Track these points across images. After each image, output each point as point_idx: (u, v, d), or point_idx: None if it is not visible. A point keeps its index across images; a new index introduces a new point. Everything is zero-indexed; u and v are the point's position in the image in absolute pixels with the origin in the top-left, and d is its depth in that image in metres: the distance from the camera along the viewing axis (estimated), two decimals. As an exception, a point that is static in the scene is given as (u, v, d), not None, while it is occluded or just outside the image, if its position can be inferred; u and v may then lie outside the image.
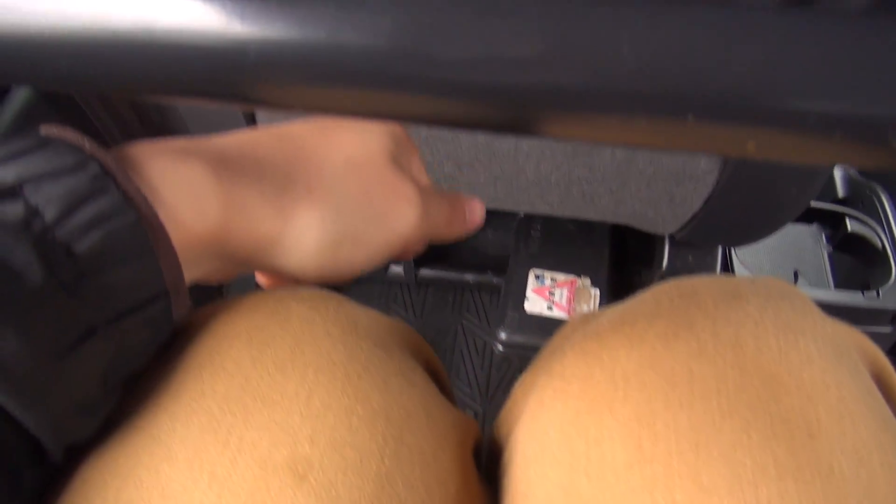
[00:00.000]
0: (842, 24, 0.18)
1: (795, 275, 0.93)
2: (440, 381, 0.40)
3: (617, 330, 0.31)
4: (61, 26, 0.18)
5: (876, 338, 0.92)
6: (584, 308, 0.92)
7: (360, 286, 1.13)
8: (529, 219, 1.02)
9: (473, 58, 0.18)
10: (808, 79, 0.17)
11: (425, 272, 1.08)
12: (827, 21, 0.18)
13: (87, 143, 0.24)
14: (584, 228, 1.00)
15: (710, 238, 0.77)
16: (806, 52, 0.17)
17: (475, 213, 0.38)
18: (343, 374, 0.28)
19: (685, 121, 0.18)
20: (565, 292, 0.94)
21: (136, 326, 0.25)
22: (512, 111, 0.19)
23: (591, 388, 0.30)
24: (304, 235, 0.30)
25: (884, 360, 0.32)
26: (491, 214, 1.06)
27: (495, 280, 1.06)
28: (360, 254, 0.32)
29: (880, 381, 0.31)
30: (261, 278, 0.37)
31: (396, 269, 1.08)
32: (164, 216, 0.25)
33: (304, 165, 0.31)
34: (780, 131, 0.18)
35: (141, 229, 0.24)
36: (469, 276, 1.07)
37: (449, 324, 1.09)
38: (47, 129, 0.25)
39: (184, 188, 0.26)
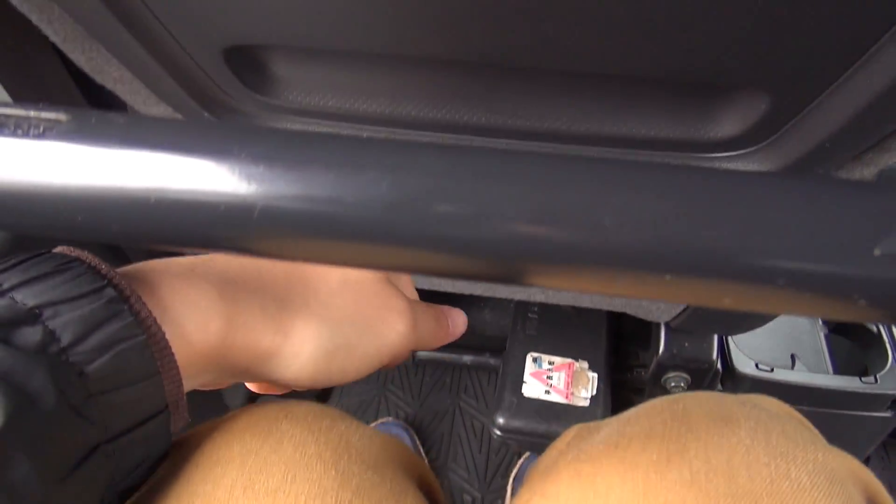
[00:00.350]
0: (807, 190, 0.19)
1: (793, 358, 0.93)
2: (434, 496, 0.40)
3: (611, 454, 0.32)
4: (86, 188, 0.20)
5: (875, 422, 0.91)
6: (583, 392, 0.92)
7: (357, 366, 1.12)
8: (527, 301, 1.03)
9: (464, 218, 0.19)
10: (779, 241, 0.18)
11: (422, 353, 1.08)
12: (793, 186, 0.19)
13: (103, 267, 0.26)
14: (582, 311, 1.01)
15: (704, 327, 0.78)
16: (776, 216, 0.19)
17: (458, 324, 0.40)
18: (334, 503, 0.28)
19: (664, 278, 0.19)
20: (563, 376, 0.94)
21: (136, 442, 0.25)
22: (503, 266, 0.20)
23: None
24: (302, 349, 0.31)
25: (876, 485, 0.32)
26: (489, 297, 1.07)
27: (493, 361, 1.06)
28: (353, 364, 0.33)
29: None
30: (252, 386, 0.38)
31: (394, 350, 1.08)
32: (170, 334, 0.26)
33: (302, 283, 0.32)
34: (753, 289, 0.19)
35: (149, 351, 0.25)
36: (467, 358, 1.07)
37: (446, 406, 1.08)
38: (64, 250, 0.26)
39: (191, 308, 0.28)
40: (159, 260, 0.29)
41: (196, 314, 0.28)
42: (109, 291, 0.24)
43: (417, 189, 0.19)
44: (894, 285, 0.18)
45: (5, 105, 0.21)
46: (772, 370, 0.87)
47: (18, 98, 0.54)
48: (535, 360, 0.95)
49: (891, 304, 0.18)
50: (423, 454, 0.99)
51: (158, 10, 0.40)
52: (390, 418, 1.03)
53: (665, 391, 0.88)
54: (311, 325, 0.31)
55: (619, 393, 1.04)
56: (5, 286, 0.23)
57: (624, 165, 0.20)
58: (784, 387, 0.87)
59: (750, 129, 0.44)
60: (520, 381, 0.93)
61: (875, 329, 0.92)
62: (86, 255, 0.26)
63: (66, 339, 0.23)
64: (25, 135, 0.20)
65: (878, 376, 0.86)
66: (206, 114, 0.49)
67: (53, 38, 0.45)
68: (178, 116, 0.53)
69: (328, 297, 0.32)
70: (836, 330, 0.97)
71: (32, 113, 0.21)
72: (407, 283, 0.39)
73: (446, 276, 0.20)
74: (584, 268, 0.19)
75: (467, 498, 0.99)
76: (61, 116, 0.21)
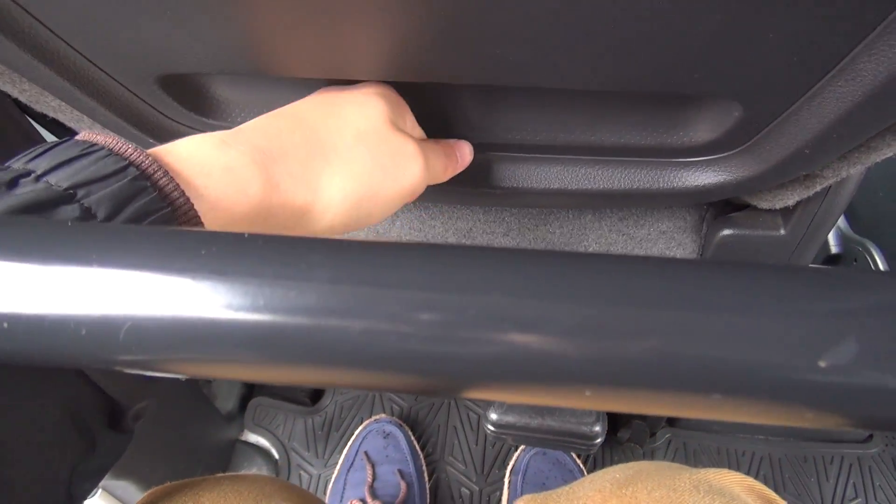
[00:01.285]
0: (747, 288, 0.17)
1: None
2: None
3: None
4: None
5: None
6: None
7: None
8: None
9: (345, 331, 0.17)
10: (714, 351, 0.16)
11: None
12: (730, 285, 0.17)
13: (128, 148, 0.27)
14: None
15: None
16: (712, 323, 0.16)
17: (465, 154, 0.44)
18: None
19: (583, 393, 0.17)
20: (556, 367, 0.92)
21: None
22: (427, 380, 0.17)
23: None
24: (332, 202, 0.34)
25: None
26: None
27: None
28: (377, 208, 0.37)
29: None
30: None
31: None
32: (208, 202, 0.29)
33: (321, 143, 0.35)
34: (687, 400, 0.17)
35: (175, 222, 0.27)
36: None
37: (441, 399, 1.07)
38: (88, 136, 0.28)
39: (228, 175, 0.30)
40: (192, 137, 0.31)
41: (234, 181, 0.30)
42: (132, 170, 0.26)
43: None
44: (842, 396, 0.16)
45: None
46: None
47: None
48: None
49: (841, 414, 0.16)
50: (419, 451, 0.99)
51: (80, 46, 0.37)
52: (384, 415, 1.02)
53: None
54: (335, 180, 0.34)
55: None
56: (39, 171, 0.24)
57: (534, 257, 0.17)
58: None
59: (723, 135, 0.41)
60: (512, 375, 0.91)
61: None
62: (107, 139, 0.27)
63: (101, 214, 0.25)
64: None
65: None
66: (150, 140, 0.46)
67: (16, 95, 0.42)
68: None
69: (346, 152, 0.35)
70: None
71: None
72: (412, 123, 0.42)
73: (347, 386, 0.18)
74: (498, 383, 0.17)
75: (465, 491, 0.98)
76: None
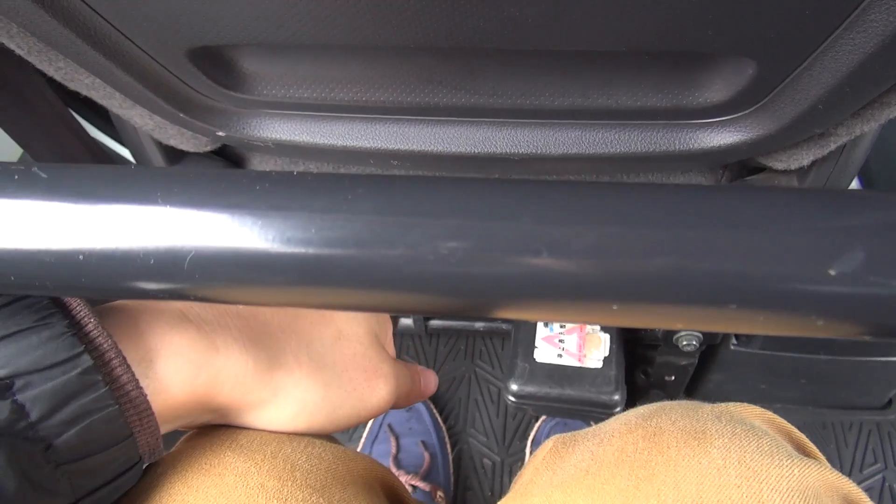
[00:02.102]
0: (759, 206, 0.18)
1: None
2: (397, 496, 0.41)
3: (581, 481, 0.31)
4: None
5: (891, 367, 0.90)
6: (595, 354, 0.92)
7: (372, 339, 1.13)
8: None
9: (393, 258, 0.18)
10: (730, 264, 0.17)
11: (435, 322, 1.08)
12: (743, 204, 0.18)
13: (85, 320, 0.25)
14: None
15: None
16: (726, 237, 0.17)
17: (429, 383, 0.43)
18: None
19: (611, 307, 0.18)
20: (575, 339, 0.93)
21: (111, 492, 0.26)
22: (427, 300, 0.19)
23: None
24: (286, 408, 0.32)
25: (857, 496, 0.31)
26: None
27: (505, 326, 1.06)
28: (331, 424, 0.34)
29: None
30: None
31: (406, 322, 1.08)
32: (153, 388, 0.26)
33: (297, 335, 0.33)
34: (705, 312, 0.18)
35: (122, 419, 0.25)
36: (479, 325, 1.07)
37: (462, 372, 1.09)
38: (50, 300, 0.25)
39: (179, 358, 0.28)
40: (154, 302, 0.29)
41: (184, 366, 0.28)
42: (86, 359, 0.24)
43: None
44: (851, 305, 0.17)
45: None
46: (785, 322, 0.86)
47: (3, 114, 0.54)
48: (546, 324, 0.95)
49: (850, 322, 0.17)
50: (441, 423, 1.01)
51: (114, 19, 0.38)
52: (406, 389, 1.04)
53: (678, 349, 0.88)
54: (300, 387, 0.32)
55: (634, 350, 1.03)
56: None
57: (562, 187, 0.19)
58: (798, 337, 0.86)
59: (738, 94, 0.42)
60: (531, 347, 0.93)
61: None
62: (70, 304, 0.25)
63: (35, 414, 0.23)
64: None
65: (895, 322, 0.84)
66: (181, 114, 0.48)
67: (18, 51, 0.44)
68: (155, 118, 0.52)
69: (321, 354, 0.33)
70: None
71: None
72: (390, 340, 0.41)
73: (393, 311, 0.20)
74: (526, 301, 0.18)
75: (487, 462, 1.00)
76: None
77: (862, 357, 0.89)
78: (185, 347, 0.28)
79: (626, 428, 0.33)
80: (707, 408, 0.35)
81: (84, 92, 0.49)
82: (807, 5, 0.32)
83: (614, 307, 0.18)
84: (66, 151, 0.62)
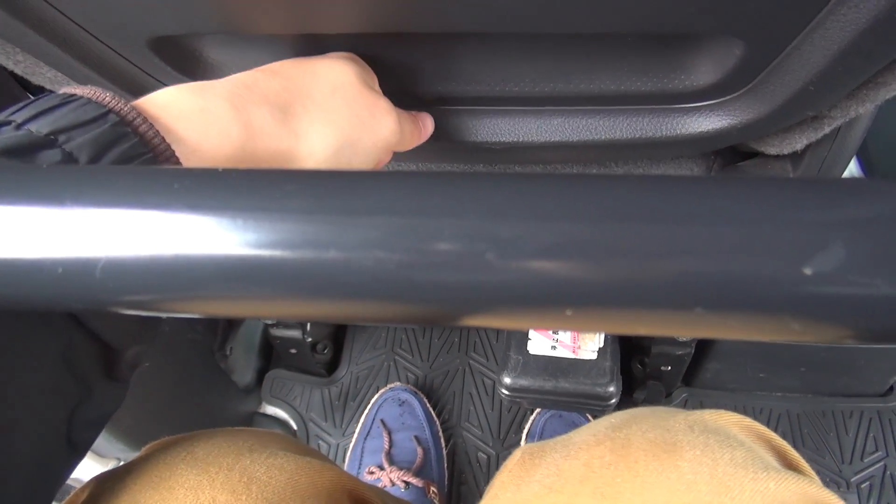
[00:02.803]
0: (728, 199, 0.16)
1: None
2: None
3: (543, 499, 0.30)
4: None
5: (890, 354, 0.88)
6: (590, 345, 0.90)
7: (365, 332, 1.12)
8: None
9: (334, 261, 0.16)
10: (694, 263, 0.16)
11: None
12: (710, 197, 0.16)
13: (107, 97, 0.27)
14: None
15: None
16: (690, 233, 0.16)
17: (427, 125, 0.45)
18: None
19: (564, 313, 0.16)
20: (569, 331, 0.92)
21: None
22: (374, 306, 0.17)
23: None
24: (314, 148, 0.35)
25: None
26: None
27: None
28: (357, 157, 0.37)
29: None
30: None
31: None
32: (188, 146, 0.29)
33: (298, 93, 0.35)
34: (668, 317, 0.16)
35: (156, 162, 0.27)
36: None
37: (456, 365, 1.07)
38: (69, 89, 0.27)
39: (206, 117, 0.30)
40: (170, 87, 0.31)
41: (214, 124, 0.30)
42: (112, 117, 0.26)
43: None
44: (831, 307, 0.15)
45: None
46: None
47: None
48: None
49: (830, 326, 0.16)
50: (435, 417, 0.99)
51: (72, 13, 0.37)
52: (398, 383, 1.02)
53: (673, 339, 0.86)
54: (316, 127, 0.35)
55: (630, 340, 1.02)
56: (20, 120, 0.24)
57: (510, 180, 0.17)
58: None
59: (726, 76, 0.40)
60: (525, 339, 0.91)
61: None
62: (87, 90, 0.27)
63: (83, 158, 0.25)
64: None
65: None
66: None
67: (10, 67, 0.42)
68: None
69: (323, 101, 0.36)
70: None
71: None
72: (379, 90, 0.42)
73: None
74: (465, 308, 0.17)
75: (482, 456, 0.99)
76: None
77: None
78: (213, 110, 0.30)
79: (595, 439, 0.32)
80: (681, 416, 0.33)
81: (47, 86, 0.47)
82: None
83: (568, 313, 0.16)
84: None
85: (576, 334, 0.91)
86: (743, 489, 0.27)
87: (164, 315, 0.19)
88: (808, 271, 0.15)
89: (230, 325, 0.96)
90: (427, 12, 0.35)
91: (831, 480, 0.92)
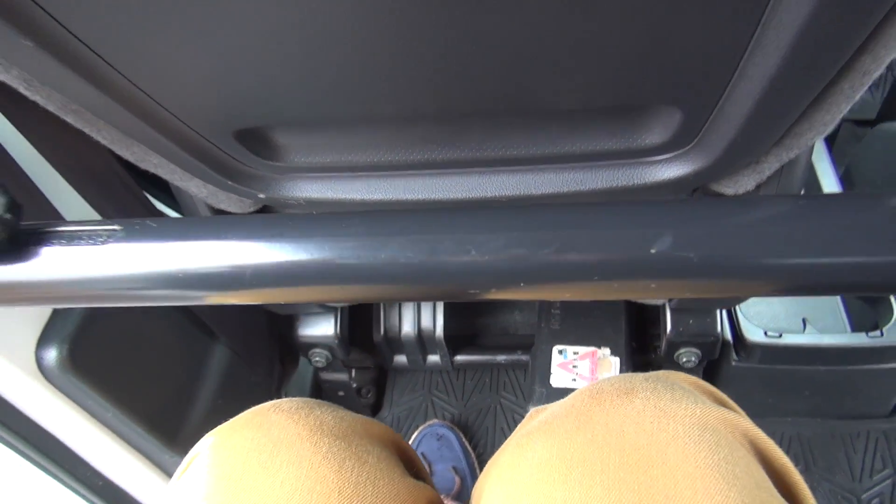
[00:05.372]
0: (605, 212, 0.27)
1: (804, 322, 0.99)
2: (408, 457, 0.50)
3: (541, 429, 0.40)
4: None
5: (890, 375, 0.95)
6: (607, 377, 0.99)
7: (404, 376, 1.22)
8: (549, 300, 1.11)
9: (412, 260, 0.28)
10: (592, 249, 0.27)
11: (460, 358, 1.17)
12: (594, 211, 0.27)
13: None
14: (600, 303, 1.08)
15: (699, 302, 0.85)
16: (590, 232, 0.27)
17: None
18: (308, 465, 0.39)
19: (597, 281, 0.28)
20: (588, 363, 1.01)
21: None
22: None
23: (516, 476, 0.39)
24: None
25: (764, 440, 0.40)
26: (516, 299, 1.15)
27: (525, 358, 1.14)
28: None
29: (762, 456, 0.39)
30: None
31: (434, 358, 1.17)
32: None
33: None
34: (578, 286, 0.28)
35: None
36: (501, 357, 1.16)
37: (488, 404, 1.17)
38: None
39: None
40: None
41: None
42: None
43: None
44: (668, 272, 0.26)
45: (77, 223, 0.31)
46: (780, 336, 0.93)
47: (82, 187, 0.67)
48: (560, 352, 1.03)
49: (671, 283, 0.27)
50: (470, 450, 1.08)
51: (179, 112, 0.50)
52: (436, 420, 1.12)
53: (679, 367, 0.95)
54: None
55: (643, 371, 1.10)
56: None
57: (484, 211, 0.28)
58: (794, 350, 0.92)
59: (674, 136, 0.52)
60: (548, 373, 1.01)
61: (878, 285, 0.96)
62: None
63: None
64: (95, 242, 0.30)
65: (884, 330, 0.90)
66: (228, 182, 0.60)
67: (104, 142, 0.56)
68: (209, 187, 0.64)
69: None
70: (844, 290, 1.01)
71: (98, 227, 0.31)
72: None
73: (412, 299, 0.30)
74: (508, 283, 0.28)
75: (516, 486, 1.07)
76: (116, 227, 0.31)
77: (859, 366, 0.94)
78: None
79: (579, 392, 0.42)
80: (641, 375, 0.44)
81: (151, 170, 0.61)
82: (704, 54, 0.42)
83: (521, 285, 0.28)
84: (128, 211, 0.74)
85: (594, 367, 1.01)
86: (677, 414, 0.37)
87: (284, 302, 0.30)
88: (653, 251, 0.26)
89: (285, 371, 1.07)
90: (449, 101, 0.48)
91: (843, 498, 0.98)
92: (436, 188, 0.61)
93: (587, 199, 0.61)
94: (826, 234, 0.26)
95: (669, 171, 0.56)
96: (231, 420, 0.45)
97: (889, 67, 1.66)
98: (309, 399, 0.47)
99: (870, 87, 1.73)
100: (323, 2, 0.35)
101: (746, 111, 0.47)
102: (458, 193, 0.60)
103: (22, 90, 0.48)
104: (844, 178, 1.20)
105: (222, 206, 0.67)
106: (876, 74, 0.43)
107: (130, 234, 0.30)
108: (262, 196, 0.62)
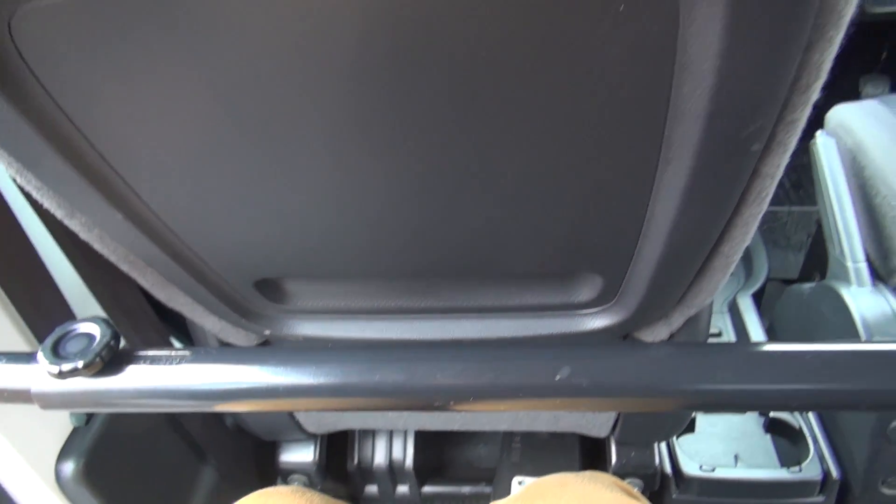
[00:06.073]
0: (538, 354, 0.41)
1: (735, 458, 1.10)
2: None
3: None
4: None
5: (813, 508, 1.06)
6: None
7: (373, 507, 1.29)
8: (511, 431, 1.22)
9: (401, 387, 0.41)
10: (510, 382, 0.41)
11: (428, 489, 1.25)
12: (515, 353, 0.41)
13: None
14: (557, 435, 1.19)
15: (640, 436, 0.97)
16: (503, 368, 0.41)
17: None
18: None
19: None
20: None
21: None
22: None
23: None
24: None
25: None
26: (481, 432, 1.26)
27: (487, 490, 1.22)
28: None
29: None
30: None
31: (403, 489, 1.25)
32: None
33: None
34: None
35: None
36: (466, 489, 1.24)
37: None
38: None
39: None
40: None
41: None
42: None
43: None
44: (568, 393, 0.40)
45: (162, 349, 0.44)
46: (713, 469, 1.04)
47: (119, 323, 0.79)
48: (520, 482, 1.12)
49: (570, 401, 0.40)
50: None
51: (215, 265, 0.65)
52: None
53: (625, 496, 1.05)
54: None
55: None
56: None
57: (453, 350, 0.42)
58: (726, 483, 1.03)
59: (599, 295, 0.67)
60: (508, 503, 1.09)
61: (797, 425, 1.09)
62: None
63: None
64: (173, 363, 0.43)
65: (802, 465, 1.03)
66: (242, 320, 0.73)
67: (144, 285, 0.70)
68: (222, 323, 0.77)
69: None
70: (770, 430, 1.14)
71: (174, 352, 0.44)
72: None
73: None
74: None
75: None
76: (186, 353, 0.44)
77: (783, 499, 1.05)
78: None
79: (526, 486, 0.54)
80: (575, 472, 0.56)
81: (177, 307, 0.74)
82: (607, 227, 0.58)
83: (471, 399, 0.41)
84: (146, 340, 0.86)
85: None
86: (594, 498, 0.49)
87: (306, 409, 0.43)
88: (557, 378, 0.40)
89: (262, 496, 1.14)
90: (425, 267, 0.63)
91: None
92: (413, 330, 0.74)
93: (535, 342, 0.75)
94: (670, 368, 0.40)
95: (598, 322, 0.71)
96: None
97: (808, 233, 1.89)
98: (297, 486, 0.58)
99: (793, 250, 1.95)
100: (340, 200, 0.50)
101: (649, 279, 0.62)
102: (432, 334, 0.74)
103: (82, 236, 0.62)
104: (769, 331, 1.37)
105: (230, 340, 0.80)
106: (736, 257, 0.59)
107: (198, 358, 0.43)
108: (267, 332, 0.75)
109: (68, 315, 0.76)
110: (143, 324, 0.84)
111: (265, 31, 0.34)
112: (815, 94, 0.41)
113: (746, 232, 0.55)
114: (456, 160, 0.43)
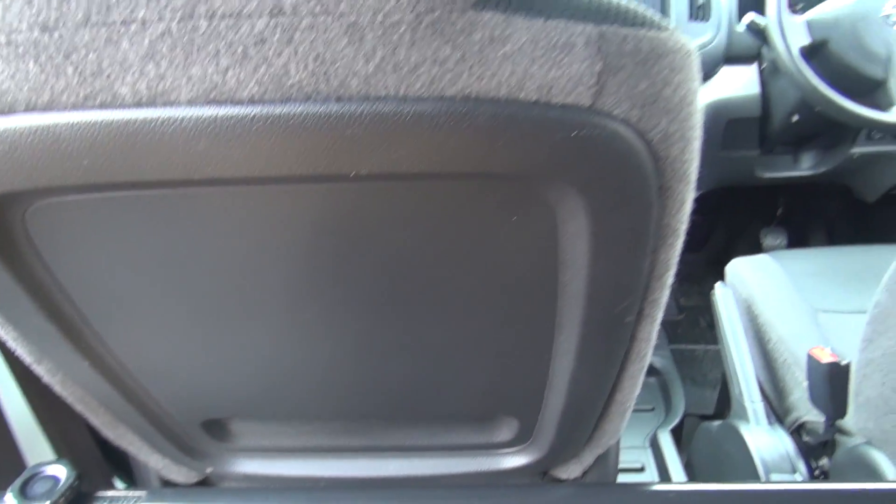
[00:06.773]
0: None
1: None
2: None
3: None
4: None
5: None
6: None
7: None
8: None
9: None
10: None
11: None
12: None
13: None
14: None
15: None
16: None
17: None
18: None
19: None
20: None
21: None
22: None
23: None
24: None
25: None
26: None
27: None
28: None
29: None
30: None
31: None
32: None
33: None
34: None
35: None
36: None
37: None
38: None
39: None
40: None
41: None
42: None
43: None
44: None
45: (119, 490, 0.49)
46: None
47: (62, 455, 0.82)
48: None
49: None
50: None
51: (167, 406, 0.70)
52: None
53: None
54: None
55: None
56: None
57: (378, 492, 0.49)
58: None
59: (515, 436, 0.75)
60: None
61: None
62: None
63: None
64: (129, 502, 0.48)
65: None
66: (186, 457, 0.77)
67: (95, 423, 0.74)
68: (166, 461, 0.81)
69: None
70: None
71: (130, 493, 0.49)
72: None
73: None
74: None
75: None
76: (140, 493, 0.49)
77: None
78: None
79: None
80: None
81: (124, 446, 0.78)
82: (522, 400, 0.67)
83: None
84: (91, 477, 0.88)
85: None
86: None
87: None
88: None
89: None
90: (354, 415, 0.70)
91: None
92: (348, 468, 0.80)
93: (461, 479, 0.82)
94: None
95: (516, 460, 0.78)
96: None
97: (722, 371, 2.03)
98: None
99: (709, 386, 2.08)
100: (288, 355, 0.58)
101: (557, 423, 0.71)
102: (366, 472, 0.80)
103: (45, 379, 0.67)
104: (687, 466, 1.46)
105: (172, 476, 0.83)
106: (630, 405, 0.69)
107: (151, 498, 0.48)
108: (209, 470, 0.79)
109: (15, 452, 0.79)
110: (90, 462, 0.87)
111: (229, 233, 0.44)
112: (669, 280, 0.52)
113: (634, 384, 0.65)
114: (388, 329, 0.52)
